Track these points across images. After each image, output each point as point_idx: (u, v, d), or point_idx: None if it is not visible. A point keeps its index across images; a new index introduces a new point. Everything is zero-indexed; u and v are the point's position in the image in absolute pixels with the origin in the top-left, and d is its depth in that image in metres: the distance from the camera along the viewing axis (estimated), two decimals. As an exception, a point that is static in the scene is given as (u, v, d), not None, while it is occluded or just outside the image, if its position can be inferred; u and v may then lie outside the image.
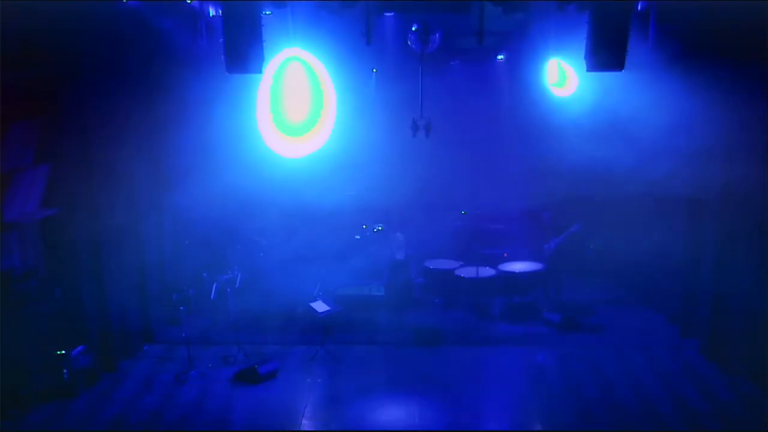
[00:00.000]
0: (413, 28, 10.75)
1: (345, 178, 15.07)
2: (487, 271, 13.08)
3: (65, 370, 10.00)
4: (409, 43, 10.85)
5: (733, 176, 10.34)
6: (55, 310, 10.12)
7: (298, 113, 11.31)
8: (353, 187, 14.85)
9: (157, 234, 12.48)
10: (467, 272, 13.14)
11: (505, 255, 13.69)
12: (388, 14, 11.03)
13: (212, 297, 11.93)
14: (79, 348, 10.25)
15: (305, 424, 9.48)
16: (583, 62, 9.80)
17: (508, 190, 14.53)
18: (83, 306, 10.50)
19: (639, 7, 10.27)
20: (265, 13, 9.89)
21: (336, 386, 10.51)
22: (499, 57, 13.82)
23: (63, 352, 10.02)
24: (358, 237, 14.68)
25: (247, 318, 12.66)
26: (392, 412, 9.80)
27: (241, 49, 9.64)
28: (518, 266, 13.35)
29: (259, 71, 9.80)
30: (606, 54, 9.59)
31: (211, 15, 11.06)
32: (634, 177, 13.48)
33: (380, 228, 13.52)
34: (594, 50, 9.68)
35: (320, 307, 11.42)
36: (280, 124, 11.22)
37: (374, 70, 14.17)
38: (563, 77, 12.36)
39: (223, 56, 9.78)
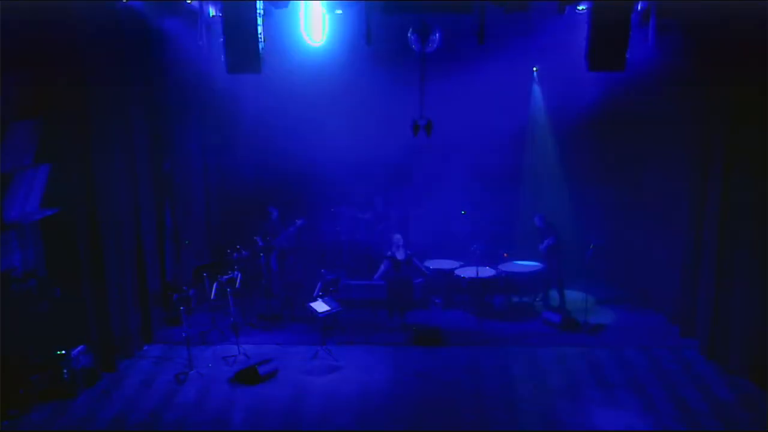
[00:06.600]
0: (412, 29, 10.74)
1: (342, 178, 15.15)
2: (487, 271, 13.08)
3: (65, 370, 9.99)
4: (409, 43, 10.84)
5: (734, 176, 10.34)
6: (55, 310, 10.10)
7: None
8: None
9: (157, 234, 12.47)
10: (467, 272, 13.15)
11: (505, 255, 13.70)
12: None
13: (212, 297, 11.93)
14: (79, 348, 10.24)
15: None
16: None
17: (507, 190, 14.56)
18: (83, 306, 10.49)
19: (639, 7, 10.29)
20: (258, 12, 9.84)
21: (336, 386, 10.51)
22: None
23: (63, 352, 10.02)
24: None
25: (247, 318, 12.70)
26: (392, 412, 9.80)
27: (241, 48, 9.64)
28: (518, 266, 13.36)
29: (259, 71, 9.79)
30: (607, 54, 9.61)
31: (211, 15, 11.08)
32: (633, 176, 13.56)
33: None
34: (594, 50, 9.68)
35: (320, 307, 11.42)
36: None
37: None
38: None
39: (222, 56, 9.77)
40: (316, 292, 11.73)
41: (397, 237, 12.64)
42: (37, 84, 9.64)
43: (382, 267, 12.59)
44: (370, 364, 11.19)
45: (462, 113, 13.88)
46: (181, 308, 11.12)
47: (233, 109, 14.35)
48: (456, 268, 13.47)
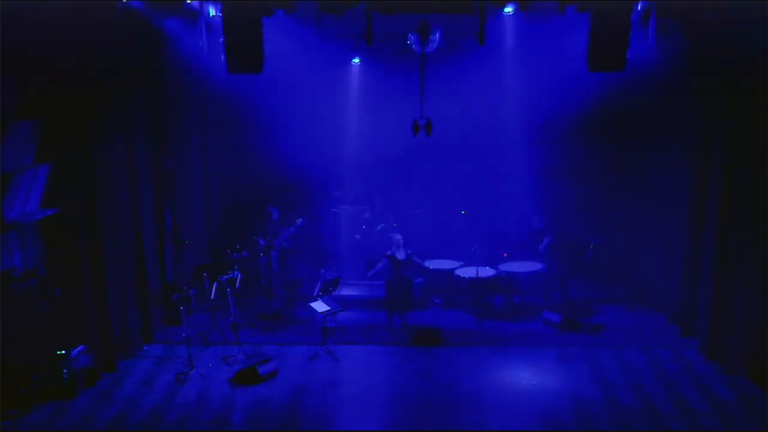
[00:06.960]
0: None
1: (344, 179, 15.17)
2: (487, 271, 13.08)
3: (65, 370, 9.99)
4: (409, 43, 10.85)
5: (734, 175, 10.34)
6: (55, 310, 10.11)
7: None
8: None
9: (157, 234, 12.47)
10: (467, 272, 13.15)
11: (505, 255, 13.70)
12: None
13: (212, 297, 11.93)
14: (79, 348, 10.24)
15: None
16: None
17: (507, 190, 14.56)
18: (83, 306, 10.49)
19: (639, 7, 10.29)
20: None
21: (336, 386, 10.51)
22: None
23: (63, 352, 10.02)
24: (358, 236, 14.71)
25: (247, 318, 12.70)
26: (392, 412, 9.80)
27: (242, 48, 9.64)
28: (518, 266, 13.36)
29: (259, 71, 9.80)
30: (607, 54, 9.61)
31: (211, 15, 11.08)
32: (633, 176, 13.56)
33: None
34: (594, 50, 9.69)
35: (320, 307, 11.42)
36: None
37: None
38: None
39: (223, 56, 9.78)
40: (316, 292, 11.73)
41: (398, 237, 12.64)
42: (37, 84, 9.64)
43: (379, 265, 12.57)
44: (370, 364, 11.19)
45: (462, 113, 13.88)
46: (181, 308, 11.12)
47: (233, 109, 14.34)
48: (456, 268, 13.47)
